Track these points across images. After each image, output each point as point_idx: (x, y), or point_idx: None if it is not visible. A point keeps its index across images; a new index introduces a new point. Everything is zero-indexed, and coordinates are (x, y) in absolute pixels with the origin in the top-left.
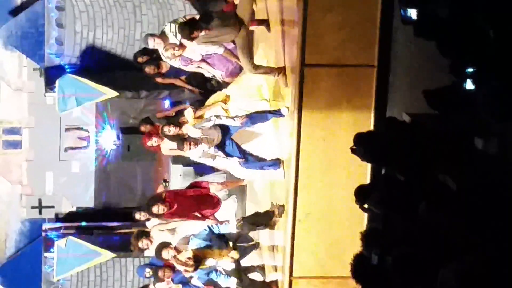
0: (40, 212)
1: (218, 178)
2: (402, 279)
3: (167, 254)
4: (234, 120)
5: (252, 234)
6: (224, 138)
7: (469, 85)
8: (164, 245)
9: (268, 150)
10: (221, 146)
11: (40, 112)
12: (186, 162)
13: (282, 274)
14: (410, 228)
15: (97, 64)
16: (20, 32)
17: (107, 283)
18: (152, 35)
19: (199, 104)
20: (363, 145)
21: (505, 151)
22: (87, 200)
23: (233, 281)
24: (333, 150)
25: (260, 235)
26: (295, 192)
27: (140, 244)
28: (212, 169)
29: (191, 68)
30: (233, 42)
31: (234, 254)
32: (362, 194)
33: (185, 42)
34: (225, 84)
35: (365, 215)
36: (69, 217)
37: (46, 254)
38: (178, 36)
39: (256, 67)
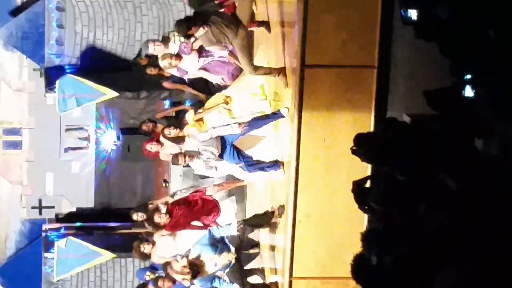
0: (40, 213)
1: (216, 180)
2: (402, 280)
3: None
4: (232, 127)
5: (253, 235)
6: (224, 146)
7: (468, 92)
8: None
9: (268, 151)
10: (220, 154)
11: (40, 112)
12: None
13: (282, 274)
14: (410, 229)
15: (97, 64)
16: (21, 32)
17: (107, 284)
18: (153, 40)
19: (199, 104)
20: (363, 146)
21: (505, 151)
22: (87, 201)
23: (236, 287)
24: (333, 150)
25: (260, 237)
26: (295, 193)
27: (141, 247)
28: None
29: (192, 75)
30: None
31: (231, 258)
32: (361, 194)
33: (182, 54)
34: (227, 86)
35: (365, 215)
36: (69, 217)
37: (46, 255)
38: (178, 43)
39: (256, 68)
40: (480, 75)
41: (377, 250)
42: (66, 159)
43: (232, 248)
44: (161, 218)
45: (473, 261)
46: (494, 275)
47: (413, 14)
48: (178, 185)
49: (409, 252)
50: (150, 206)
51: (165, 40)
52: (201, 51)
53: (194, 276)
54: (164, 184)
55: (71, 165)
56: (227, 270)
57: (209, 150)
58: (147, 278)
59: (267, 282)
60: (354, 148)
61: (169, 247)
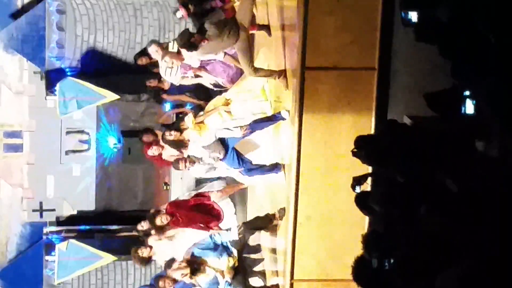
0: (41, 215)
1: (218, 185)
2: (403, 282)
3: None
4: (234, 131)
5: (254, 238)
6: (226, 149)
7: (469, 109)
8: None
9: (268, 154)
10: (222, 158)
11: (41, 115)
12: None
13: (283, 277)
14: (410, 231)
15: (98, 67)
16: (21, 35)
17: (108, 286)
18: (159, 44)
19: (199, 109)
20: (364, 148)
21: (506, 153)
22: (88, 203)
23: None
24: (334, 153)
25: (261, 239)
26: (296, 195)
27: (139, 252)
28: None
29: (190, 81)
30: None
31: (233, 262)
32: (362, 196)
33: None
34: (226, 90)
35: (366, 218)
36: (70, 220)
37: (47, 258)
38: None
39: (257, 70)
40: (480, 77)
41: (378, 252)
42: (67, 162)
43: (235, 251)
44: (162, 220)
45: (472, 263)
46: (494, 277)
47: (413, 16)
48: (178, 187)
49: (410, 254)
50: (151, 211)
51: (166, 49)
52: None
53: (193, 272)
54: (164, 187)
55: (72, 168)
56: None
57: (212, 156)
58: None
59: (268, 284)
60: (354, 150)
61: (168, 250)
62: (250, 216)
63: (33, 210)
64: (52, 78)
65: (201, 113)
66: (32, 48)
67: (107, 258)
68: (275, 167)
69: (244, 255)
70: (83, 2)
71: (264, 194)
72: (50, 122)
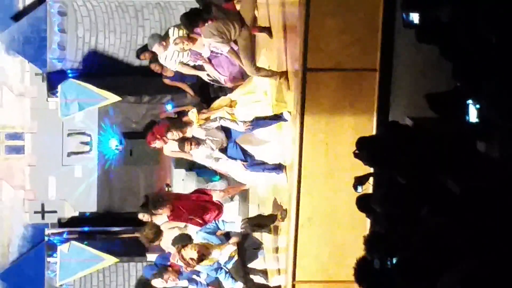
0: (43, 217)
1: (220, 185)
2: (405, 283)
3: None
4: (238, 125)
5: (255, 234)
6: (228, 141)
7: (472, 117)
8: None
9: (270, 154)
10: (224, 149)
11: (42, 117)
12: (188, 166)
13: (285, 278)
14: (412, 232)
15: (99, 69)
16: (22, 37)
17: None
18: (159, 38)
19: (201, 107)
20: (365, 149)
21: (508, 154)
22: (90, 205)
23: (239, 285)
24: (336, 154)
25: (263, 239)
26: (298, 196)
27: (151, 234)
28: (215, 173)
29: (189, 70)
30: (236, 43)
31: (233, 251)
32: (363, 198)
33: (194, 35)
34: (228, 90)
35: (368, 219)
36: (72, 222)
37: (49, 259)
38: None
39: (258, 70)
40: (482, 78)
41: (380, 253)
42: (68, 163)
43: (234, 239)
44: (163, 211)
45: (474, 264)
46: (495, 278)
47: (414, 17)
48: (180, 189)
49: (412, 255)
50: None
51: (166, 42)
52: None
53: (201, 258)
54: (166, 188)
55: (73, 169)
56: (230, 266)
57: (216, 139)
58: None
59: (271, 284)
60: (356, 151)
61: None
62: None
63: (35, 212)
64: (53, 79)
65: (205, 111)
66: (34, 50)
67: (109, 259)
68: (277, 167)
69: (245, 248)
70: (84, 4)
71: (266, 195)
72: (51, 123)
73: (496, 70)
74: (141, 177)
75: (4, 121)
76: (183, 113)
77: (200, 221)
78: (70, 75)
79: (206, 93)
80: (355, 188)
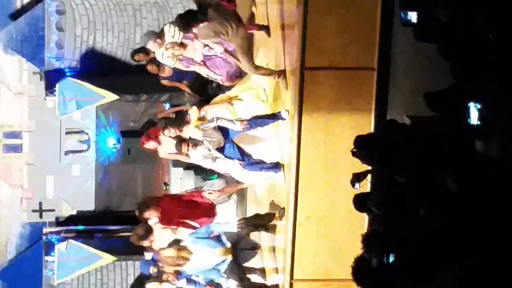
0: (41, 216)
1: (218, 184)
2: (403, 282)
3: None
4: (235, 124)
5: (253, 236)
6: (225, 140)
7: (474, 119)
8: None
9: (268, 153)
10: (221, 149)
11: (40, 115)
12: (186, 165)
13: (283, 276)
14: (410, 231)
15: (97, 67)
16: (20, 35)
17: (108, 287)
18: (154, 35)
19: (200, 105)
20: (363, 148)
21: (506, 153)
22: (88, 204)
23: (232, 283)
24: (334, 153)
25: (261, 238)
26: (296, 195)
27: (142, 243)
28: (213, 172)
29: (192, 68)
30: (232, 42)
31: (226, 255)
32: (361, 200)
33: (186, 41)
34: (226, 88)
35: (366, 218)
36: (70, 220)
37: (46, 258)
38: (176, 36)
39: (256, 68)
40: (480, 76)
41: (378, 252)
42: (66, 162)
43: (228, 244)
44: (151, 214)
45: (472, 263)
46: (494, 277)
47: (412, 16)
48: (178, 188)
49: (410, 254)
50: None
51: (162, 39)
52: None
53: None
54: (164, 187)
55: (71, 168)
56: (224, 267)
57: (213, 140)
58: (152, 273)
59: (268, 283)
60: (354, 150)
61: (167, 240)
62: (249, 215)
63: (33, 211)
64: (51, 78)
65: (205, 107)
66: (32, 48)
67: (107, 258)
68: (275, 166)
69: (240, 248)
70: (82, 3)
71: (264, 193)
72: (49, 122)
73: (494, 69)
74: (139, 176)
75: (2, 119)
76: (181, 113)
77: (192, 225)
78: (68, 73)
79: (205, 92)
80: (353, 184)
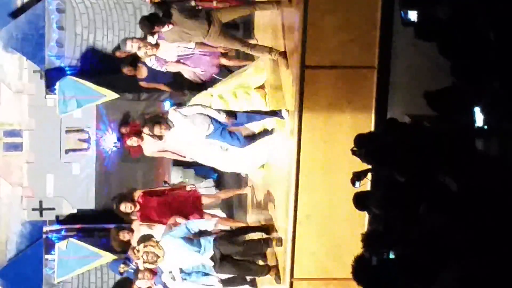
0: (41, 214)
1: (208, 184)
2: (403, 281)
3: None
4: (220, 114)
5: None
6: (215, 127)
7: (474, 119)
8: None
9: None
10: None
11: (40, 114)
12: (187, 164)
13: (283, 275)
14: (410, 230)
15: (97, 66)
16: (21, 34)
17: (108, 285)
18: (131, 38)
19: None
20: (363, 147)
21: (506, 152)
22: (88, 202)
23: (213, 279)
24: (334, 151)
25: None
26: (296, 193)
27: (121, 235)
28: (213, 171)
29: (167, 69)
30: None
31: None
32: (361, 199)
33: (160, 41)
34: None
35: (366, 216)
36: (70, 219)
37: (47, 256)
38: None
39: (252, 46)
40: (480, 75)
41: (378, 251)
42: (66, 160)
43: (208, 250)
44: (125, 207)
45: (472, 262)
46: (493, 277)
47: (413, 15)
48: None
49: (410, 253)
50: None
51: (144, 37)
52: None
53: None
54: (164, 186)
55: (71, 166)
56: (209, 270)
57: (199, 125)
58: (121, 271)
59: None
60: (354, 149)
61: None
62: (250, 220)
63: (33, 209)
64: (51, 77)
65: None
66: (32, 47)
67: (107, 256)
68: (265, 131)
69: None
70: (82, 1)
71: (263, 195)
72: (49, 121)
73: (494, 68)
74: (139, 175)
75: (2, 118)
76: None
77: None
78: (68, 72)
79: (188, 85)
80: (353, 183)
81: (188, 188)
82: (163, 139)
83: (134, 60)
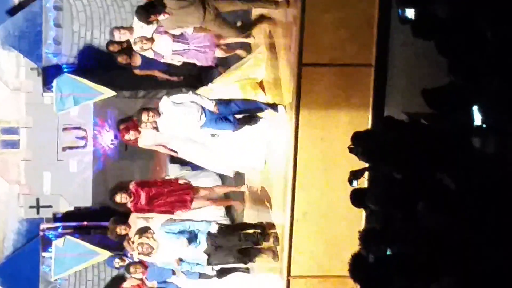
0: (38, 212)
1: (212, 181)
2: (399, 278)
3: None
4: (208, 101)
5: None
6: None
7: (477, 120)
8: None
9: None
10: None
11: (37, 111)
12: (184, 161)
13: (280, 273)
14: (408, 228)
15: (94, 63)
16: (18, 31)
17: (105, 283)
18: (116, 28)
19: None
20: (360, 144)
21: (503, 150)
22: (85, 200)
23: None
24: (331, 149)
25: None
26: (293, 191)
27: (118, 230)
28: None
29: (167, 60)
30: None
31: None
32: (358, 196)
33: (155, 35)
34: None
35: (364, 214)
36: (67, 216)
37: (43, 254)
38: (146, 28)
39: (243, 29)
40: (478, 73)
41: (375, 249)
42: (63, 158)
43: (204, 244)
44: (121, 198)
45: (470, 265)
46: (493, 277)
47: (410, 13)
48: None
49: (407, 251)
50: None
51: (131, 27)
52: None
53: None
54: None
55: (68, 164)
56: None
57: (191, 115)
58: (117, 266)
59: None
60: (351, 146)
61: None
62: (246, 218)
63: (30, 207)
64: (49, 74)
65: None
66: (29, 44)
67: (104, 254)
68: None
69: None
70: None
71: (260, 193)
72: (47, 118)
73: (492, 66)
74: (136, 172)
75: None
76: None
77: (165, 210)
78: (65, 69)
79: (186, 73)
80: (350, 182)
81: (181, 182)
82: (158, 130)
83: (128, 48)
